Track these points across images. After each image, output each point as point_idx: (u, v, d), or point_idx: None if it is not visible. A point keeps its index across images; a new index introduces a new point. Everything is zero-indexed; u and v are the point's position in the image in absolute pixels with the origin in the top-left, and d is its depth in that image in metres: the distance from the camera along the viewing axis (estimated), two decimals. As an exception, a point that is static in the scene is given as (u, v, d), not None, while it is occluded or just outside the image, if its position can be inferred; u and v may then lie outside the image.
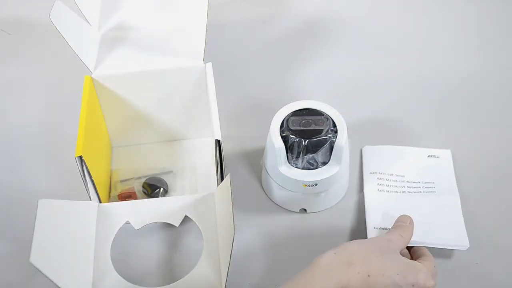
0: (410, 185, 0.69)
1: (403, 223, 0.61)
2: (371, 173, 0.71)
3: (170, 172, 0.72)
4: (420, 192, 0.68)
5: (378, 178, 0.70)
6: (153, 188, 0.69)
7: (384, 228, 0.64)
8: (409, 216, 0.61)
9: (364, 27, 0.93)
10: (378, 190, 0.69)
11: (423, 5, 0.97)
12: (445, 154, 0.73)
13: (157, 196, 0.68)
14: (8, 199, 0.71)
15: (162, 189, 0.69)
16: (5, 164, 0.74)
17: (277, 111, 0.66)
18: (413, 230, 0.60)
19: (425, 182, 0.69)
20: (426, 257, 0.58)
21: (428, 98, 0.82)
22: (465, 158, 0.73)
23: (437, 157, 0.72)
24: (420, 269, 0.55)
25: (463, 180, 0.70)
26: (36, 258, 0.50)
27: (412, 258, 0.59)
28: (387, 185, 0.69)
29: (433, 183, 0.69)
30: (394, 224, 0.61)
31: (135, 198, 0.68)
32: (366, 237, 0.64)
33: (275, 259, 0.64)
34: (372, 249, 0.55)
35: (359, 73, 0.86)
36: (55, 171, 0.73)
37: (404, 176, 0.70)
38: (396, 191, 0.68)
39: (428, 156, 0.73)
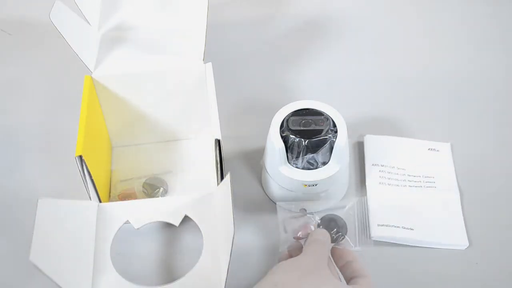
0: (411, 179, 0.70)
1: (321, 236, 0.55)
2: (373, 164, 0.71)
3: (170, 172, 0.71)
4: (421, 186, 0.69)
5: (380, 171, 0.70)
6: (153, 188, 0.69)
7: (387, 225, 0.64)
8: (326, 232, 0.56)
9: (364, 26, 0.93)
10: (379, 183, 0.69)
11: (422, 4, 0.97)
12: (445, 148, 0.73)
13: (157, 196, 0.68)
14: (8, 199, 0.71)
15: (162, 189, 0.69)
16: (5, 164, 0.74)
17: (277, 111, 0.66)
18: (329, 247, 0.55)
19: (426, 177, 0.70)
20: (363, 278, 0.52)
21: (428, 95, 0.82)
22: (464, 151, 0.74)
23: (437, 150, 0.73)
24: None
25: (462, 174, 0.71)
26: (36, 257, 0.50)
27: (345, 276, 0.54)
28: (389, 178, 0.70)
29: (433, 177, 0.70)
30: (312, 238, 0.55)
31: (135, 198, 0.68)
32: (369, 235, 0.64)
33: (275, 259, 0.64)
34: (311, 275, 0.50)
35: (359, 73, 0.86)
36: (55, 171, 0.73)
37: (405, 170, 0.71)
38: (398, 185, 0.69)
39: (429, 149, 0.73)
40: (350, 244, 0.58)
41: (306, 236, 0.57)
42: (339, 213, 0.60)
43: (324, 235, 0.55)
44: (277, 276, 0.50)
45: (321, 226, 0.59)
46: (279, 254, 0.59)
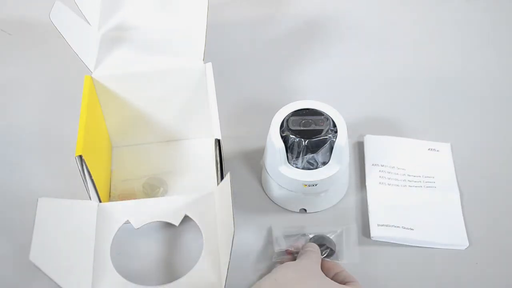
0: (411, 179, 0.70)
1: (312, 248, 0.61)
2: (373, 164, 0.71)
3: (170, 172, 0.71)
4: (421, 186, 0.69)
5: (380, 171, 0.70)
6: (153, 188, 0.69)
7: (387, 225, 0.64)
8: (315, 245, 0.61)
9: (364, 26, 0.93)
10: (379, 183, 0.69)
11: (422, 5, 0.97)
12: (445, 148, 0.73)
13: (157, 196, 0.68)
14: (8, 199, 0.71)
15: (162, 189, 0.69)
16: (5, 164, 0.74)
17: (277, 111, 0.66)
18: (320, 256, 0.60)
19: (426, 177, 0.70)
20: (353, 283, 0.57)
21: (427, 95, 0.82)
22: (464, 152, 0.74)
23: (437, 150, 0.73)
24: None
25: (462, 174, 0.71)
26: (36, 257, 0.50)
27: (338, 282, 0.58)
28: (389, 178, 0.70)
29: (433, 177, 0.70)
30: (304, 249, 0.61)
31: (135, 198, 0.68)
32: (369, 235, 0.65)
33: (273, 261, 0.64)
34: (309, 276, 0.55)
35: (359, 73, 0.86)
36: (55, 171, 0.73)
37: (405, 169, 0.71)
38: (398, 185, 0.69)
39: (429, 149, 0.73)
40: (338, 259, 0.63)
41: (297, 250, 0.62)
42: (330, 235, 0.65)
43: (314, 247, 0.61)
44: (278, 273, 0.55)
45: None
46: (272, 264, 0.63)
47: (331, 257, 0.62)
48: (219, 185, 0.62)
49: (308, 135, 0.62)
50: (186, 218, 0.62)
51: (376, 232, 0.64)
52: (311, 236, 0.64)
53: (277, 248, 0.63)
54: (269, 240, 0.65)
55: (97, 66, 0.67)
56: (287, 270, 0.55)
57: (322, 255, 0.61)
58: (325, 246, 0.62)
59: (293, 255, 0.62)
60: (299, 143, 0.62)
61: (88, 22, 0.70)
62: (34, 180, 0.72)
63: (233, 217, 0.52)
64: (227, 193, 0.55)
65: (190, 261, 0.61)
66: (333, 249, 0.63)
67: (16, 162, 0.75)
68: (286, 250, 0.63)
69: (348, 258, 0.63)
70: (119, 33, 0.72)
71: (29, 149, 0.76)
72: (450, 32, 0.92)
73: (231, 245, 0.52)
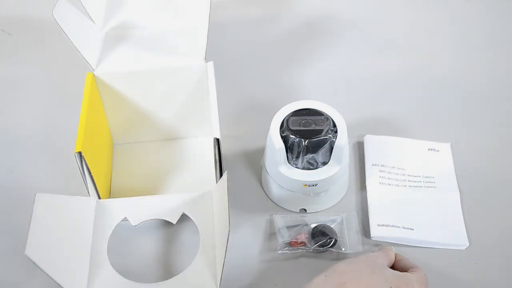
0: (411, 179, 0.70)
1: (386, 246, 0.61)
2: (373, 164, 0.71)
3: (170, 170, 0.71)
4: (421, 187, 0.69)
5: (380, 171, 0.70)
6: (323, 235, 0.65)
7: (387, 225, 0.64)
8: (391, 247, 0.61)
9: (364, 26, 0.93)
10: (380, 183, 0.69)
11: (423, 5, 0.97)
12: (445, 148, 0.73)
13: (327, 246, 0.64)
14: (8, 198, 0.71)
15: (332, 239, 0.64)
16: (5, 164, 0.74)
17: (277, 111, 0.66)
18: (394, 254, 0.59)
19: (426, 177, 0.70)
20: (415, 268, 0.57)
21: (428, 96, 0.82)
22: (464, 152, 0.74)
23: (437, 150, 0.73)
24: (412, 279, 0.54)
25: (462, 174, 0.71)
26: (32, 252, 0.50)
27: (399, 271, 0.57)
28: (389, 178, 0.70)
29: (433, 177, 0.70)
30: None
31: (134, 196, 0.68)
32: (369, 235, 0.64)
33: (275, 259, 0.64)
34: (361, 267, 0.54)
35: (359, 73, 0.86)
36: (56, 170, 0.73)
37: (405, 170, 0.71)
38: (398, 185, 0.69)
39: (429, 149, 0.73)
40: (341, 248, 0.63)
41: (301, 241, 0.63)
42: (330, 224, 0.65)
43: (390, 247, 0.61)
44: (329, 270, 0.54)
45: (314, 233, 0.64)
46: (277, 255, 0.63)
47: (334, 247, 0.63)
48: (217, 184, 0.62)
49: (308, 135, 0.62)
50: (183, 216, 0.62)
51: (376, 232, 0.64)
52: (313, 226, 0.64)
53: (280, 240, 0.64)
54: (269, 240, 0.65)
55: (99, 64, 0.67)
56: (339, 265, 0.54)
57: (326, 245, 0.62)
58: (328, 236, 0.63)
59: (297, 246, 0.63)
60: (299, 143, 0.62)
61: (92, 20, 0.71)
62: (35, 180, 0.72)
63: (229, 216, 0.52)
64: (224, 192, 0.56)
65: (186, 259, 0.61)
66: (336, 238, 0.63)
67: (16, 162, 0.75)
68: (290, 242, 0.63)
69: (351, 247, 0.63)
70: (121, 31, 0.72)
71: (29, 149, 0.76)
72: (450, 32, 0.92)
73: (226, 243, 0.52)
